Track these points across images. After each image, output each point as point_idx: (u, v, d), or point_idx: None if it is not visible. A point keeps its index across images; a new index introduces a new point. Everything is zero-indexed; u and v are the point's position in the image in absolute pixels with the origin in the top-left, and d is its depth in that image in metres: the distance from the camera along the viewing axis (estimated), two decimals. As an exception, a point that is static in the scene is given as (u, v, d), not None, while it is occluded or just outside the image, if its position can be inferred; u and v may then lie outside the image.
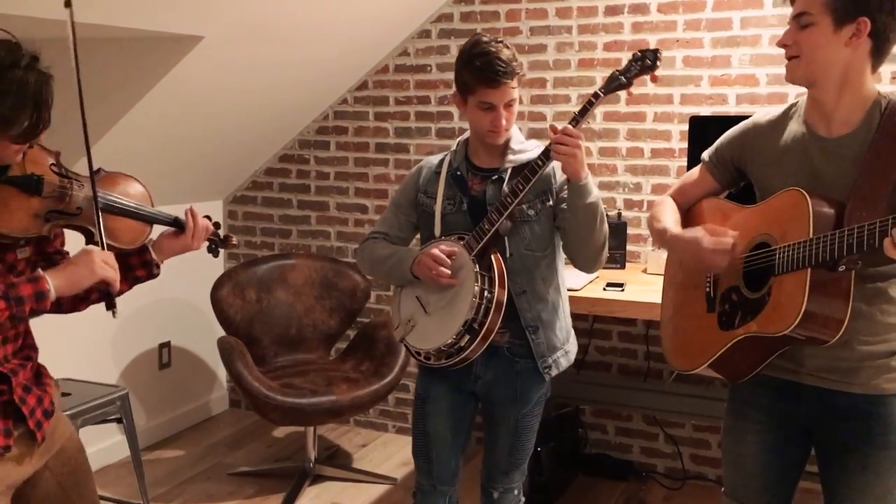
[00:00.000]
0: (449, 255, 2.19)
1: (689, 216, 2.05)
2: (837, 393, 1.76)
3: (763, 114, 1.94)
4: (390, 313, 2.41)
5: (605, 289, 3.00)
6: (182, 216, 1.96)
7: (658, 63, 2.10)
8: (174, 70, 2.98)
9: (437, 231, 2.28)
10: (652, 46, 3.40)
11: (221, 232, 2.10)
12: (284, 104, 3.84)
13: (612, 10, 3.49)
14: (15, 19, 2.32)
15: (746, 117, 3.34)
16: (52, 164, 1.72)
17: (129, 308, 3.84)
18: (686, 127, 3.27)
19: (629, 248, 3.45)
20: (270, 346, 3.75)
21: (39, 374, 1.85)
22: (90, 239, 1.78)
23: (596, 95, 2.10)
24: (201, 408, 4.30)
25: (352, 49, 3.71)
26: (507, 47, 2.16)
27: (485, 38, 2.17)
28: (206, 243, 2.06)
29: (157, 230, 1.95)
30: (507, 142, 2.25)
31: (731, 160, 1.96)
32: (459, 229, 2.25)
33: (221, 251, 2.14)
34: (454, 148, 2.35)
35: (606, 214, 3.37)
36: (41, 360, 1.87)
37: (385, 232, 2.40)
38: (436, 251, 2.20)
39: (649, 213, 2.12)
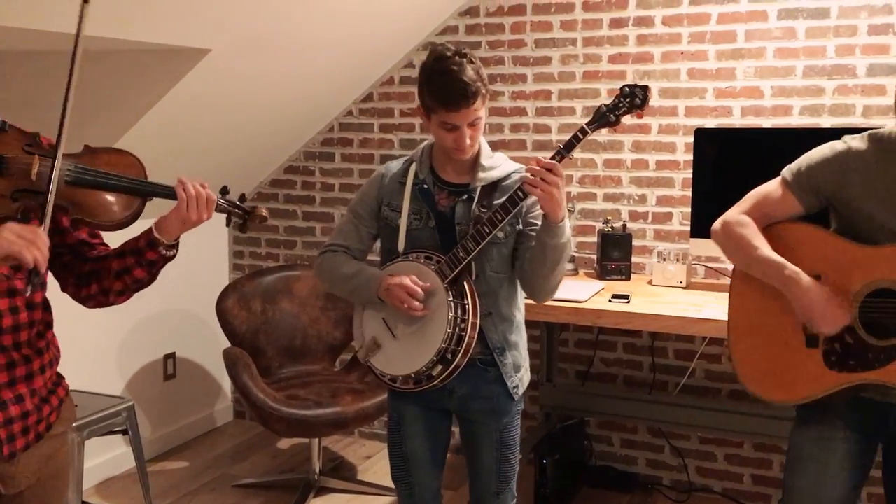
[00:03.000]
0: (422, 288, 2.09)
1: (778, 243, 1.91)
2: None
3: (858, 141, 1.85)
4: (354, 331, 2.30)
5: (610, 300, 3.00)
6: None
7: (647, 102, 2.02)
8: (181, 82, 3.00)
9: (402, 246, 2.17)
10: (657, 60, 3.44)
11: (247, 204, 1.89)
12: (290, 116, 3.85)
13: (616, 23, 3.50)
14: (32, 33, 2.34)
15: (752, 130, 3.38)
16: (28, 144, 1.61)
17: (134, 319, 3.85)
18: (691, 139, 3.28)
19: (634, 259, 3.45)
20: (275, 358, 3.75)
21: (51, 392, 1.72)
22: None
23: (583, 131, 2.01)
24: (206, 419, 4.30)
25: (357, 61, 3.73)
26: (472, 61, 2.04)
27: (448, 53, 2.05)
28: (226, 217, 1.88)
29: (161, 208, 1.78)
30: (477, 156, 2.16)
31: (820, 187, 1.87)
32: (426, 245, 2.16)
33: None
34: (419, 156, 2.23)
35: (612, 226, 3.43)
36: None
37: (345, 245, 2.26)
38: (409, 282, 2.08)
39: (730, 232, 1.97)
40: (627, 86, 2.04)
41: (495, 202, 2.09)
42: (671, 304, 2.96)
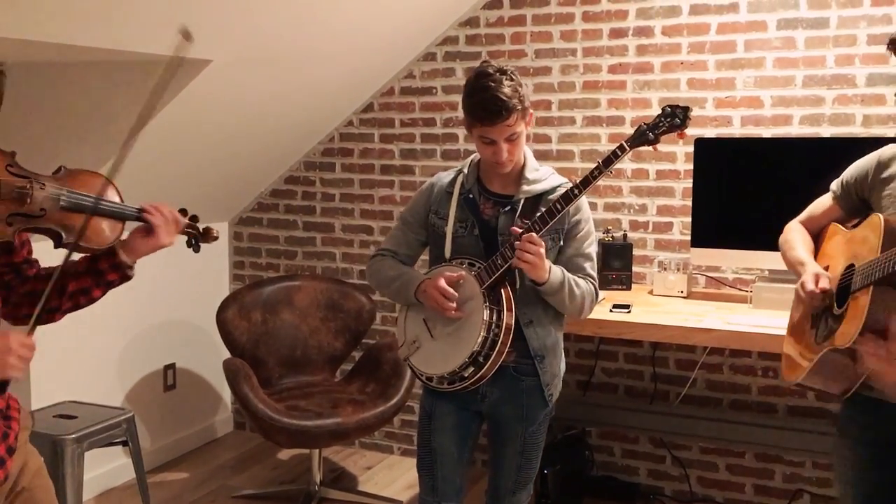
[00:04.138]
0: (456, 282, 2.20)
1: (819, 242, 2.14)
2: None
3: (889, 148, 1.98)
4: (396, 330, 2.42)
5: (611, 310, 2.99)
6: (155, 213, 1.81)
7: (687, 122, 2.09)
8: (182, 93, 3.00)
9: (448, 253, 2.28)
10: (657, 70, 3.45)
11: (201, 225, 1.94)
12: (290, 126, 3.86)
13: (616, 33, 3.50)
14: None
15: (752, 139, 3.38)
16: (9, 164, 1.61)
17: (135, 330, 3.84)
18: (691, 149, 3.28)
19: (635, 269, 3.44)
20: (276, 368, 3.74)
21: (8, 406, 1.72)
22: (58, 242, 1.66)
23: (622, 148, 2.07)
24: (206, 430, 4.29)
25: (357, 72, 3.74)
26: (512, 79, 2.10)
27: (490, 70, 2.12)
28: (185, 238, 1.92)
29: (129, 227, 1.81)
30: (522, 169, 2.24)
31: (854, 190, 2.03)
32: (470, 253, 2.25)
33: (203, 246, 1.94)
34: (466, 169, 2.32)
35: (612, 236, 3.42)
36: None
37: (393, 250, 2.40)
38: (443, 283, 2.18)
39: (781, 239, 2.15)
40: (669, 106, 2.10)
41: (538, 214, 2.15)
42: (672, 314, 2.96)
